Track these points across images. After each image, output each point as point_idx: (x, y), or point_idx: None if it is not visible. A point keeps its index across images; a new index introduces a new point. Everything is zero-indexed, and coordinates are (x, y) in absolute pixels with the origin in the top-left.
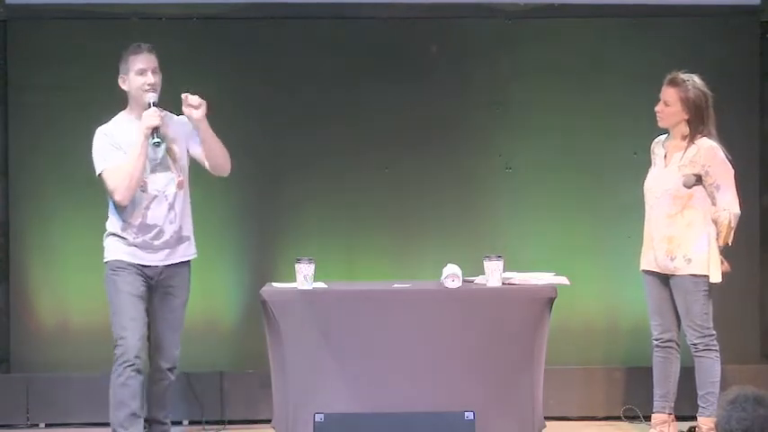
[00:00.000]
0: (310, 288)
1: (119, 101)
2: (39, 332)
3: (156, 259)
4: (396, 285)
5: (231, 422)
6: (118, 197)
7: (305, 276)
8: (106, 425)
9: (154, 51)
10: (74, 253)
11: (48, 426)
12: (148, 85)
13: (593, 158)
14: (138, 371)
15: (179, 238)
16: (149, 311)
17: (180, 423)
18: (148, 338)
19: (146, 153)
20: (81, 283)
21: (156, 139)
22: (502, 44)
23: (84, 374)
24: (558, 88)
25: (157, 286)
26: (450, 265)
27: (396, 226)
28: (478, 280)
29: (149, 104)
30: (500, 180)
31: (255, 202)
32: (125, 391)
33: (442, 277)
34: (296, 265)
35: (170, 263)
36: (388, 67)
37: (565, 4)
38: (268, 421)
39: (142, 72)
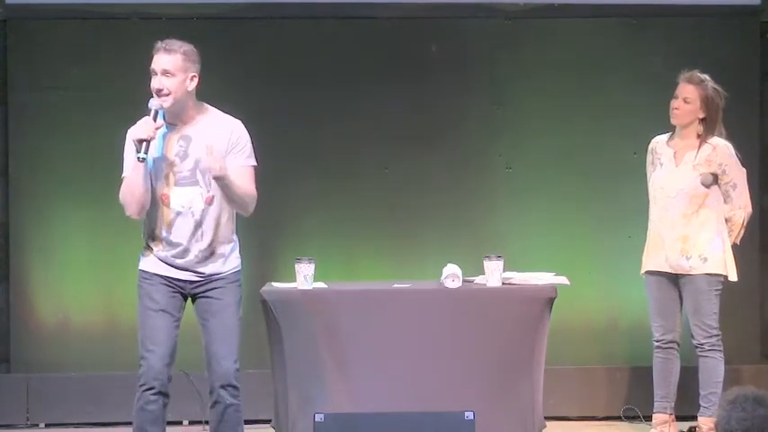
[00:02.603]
0: (310, 288)
1: (119, 100)
2: (39, 332)
3: (181, 275)
4: (396, 285)
5: None
6: (126, 212)
7: (305, 276)
8: (106, 425)
9: (176, 49)
10: (74, 253)
11: (48, 426)
12: (156, 89)
13: (593, 158)
14: (161, 393)
15: (208, 257)
16: (198, 322)
17: (180, 423)
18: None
19: (140, 167)
20: (81, 283)
21: (142, 155)
22: (502, 44)
23: (84, 374)
24: (558, 88)
25: (193, 293)
26: (450, 265)
27: (396, 226)
28: (478, 280)
29: (150, 112)
30: (500, 180)
31: (256, 203)
32: (144, 416)
33: (442, 277)
34: (296, 265)
35: (197, 279)
36: (388, 67)
37: (565, 4)
38: (268, 421)
39: (152, 73)
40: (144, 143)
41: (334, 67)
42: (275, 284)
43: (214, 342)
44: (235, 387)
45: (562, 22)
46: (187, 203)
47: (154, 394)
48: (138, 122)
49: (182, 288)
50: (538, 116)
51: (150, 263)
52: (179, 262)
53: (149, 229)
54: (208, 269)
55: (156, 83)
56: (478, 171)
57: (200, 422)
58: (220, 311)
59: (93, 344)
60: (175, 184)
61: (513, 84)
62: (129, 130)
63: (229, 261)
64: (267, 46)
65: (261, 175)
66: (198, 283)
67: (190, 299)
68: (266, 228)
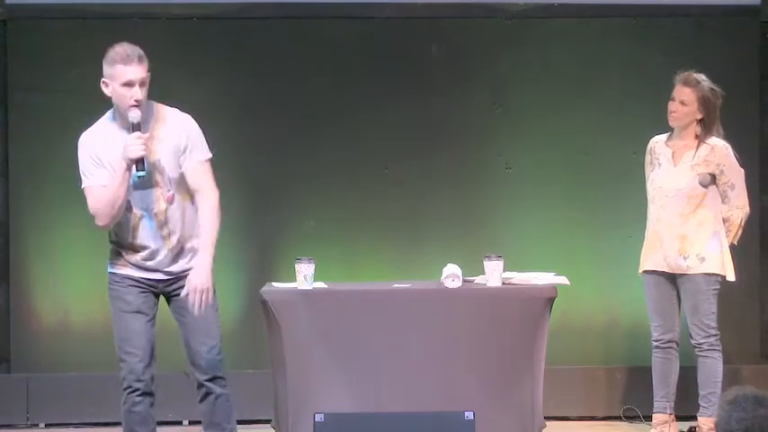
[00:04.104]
0: (310, 288)
1: None
2: (39, 332)
3: (153, 275)
4: (396, 285)
5: None
6: (99, 223)
7: (305, 276)
8: (106, 425)
9: (144, 58)
10: (74, 253)
11: (48, 426)
12: (135, 101)
13: (592, 158)
14: (146, 393)
15: (178, 254)
16: (175, 320)
17: (180, 423)
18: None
19: (127, 181)
20: (81, 283)
21: (141, 172)
22: (502, 44)
23: (84, 374)
24: (558, 88)
25: (166, 291)
26: (450, 265)
27: (396, 226)
28: (478, 280)
29: (132, 126)
30: (500, 180)
31: (256, 201)
32: (133, 418)
33: (442, 277)
34: (296, 265)
35: (169, 277)
36: (388, 67)
37: (565, 4)
38: (268, 421)
39: (129, 84)
40: (140, 161)
41: (334, 66)
42: (275, 284)
43: (194, 338)
44: (222, 378)
45: (562, 22)
46: (149, 205)
47: (138, 395)
48: (130, 143)
49: (153, 287)
50: (538, 116)
51: (119, 265)
52: (150, 264)
53: (116, 236)
54: (178, 266)
55: (136, 94)
56: (478, 171)
57: (200, 422)
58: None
59: (93, 344)
60: (135, 188)
61: (513, 84)
62: (82, 135)
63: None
64: (267, 46)
65: (260, 174)
66: (169, 282)
67: (163, 297)
68: (266, 228)
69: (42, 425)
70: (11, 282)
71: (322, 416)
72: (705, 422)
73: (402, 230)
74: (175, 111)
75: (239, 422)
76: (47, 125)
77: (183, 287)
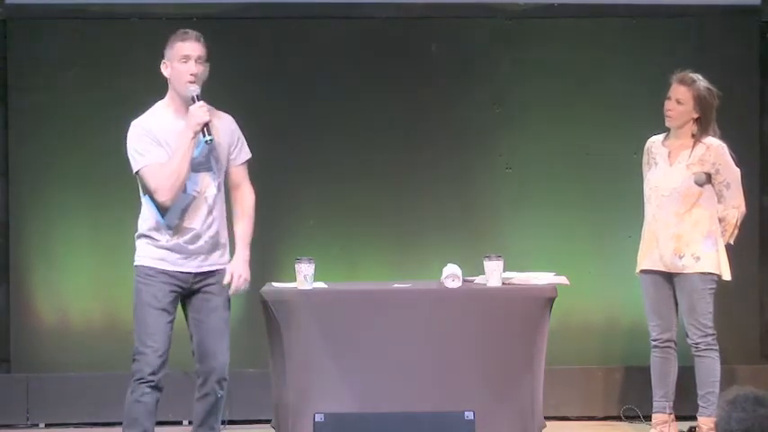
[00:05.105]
0: (310, 288)
1: (119, 100)
2: (39, 332)
3: (189, 266)
4: (396, 285)
5: (231, 422)
6: (162, 197)
7: (305, 276)
8: (106, 425)
9: (202, 40)
10: (74, 253)
11: (48, 426)
12: (191, 75)
13: (592, 158)
14: (156, 387)
15: (215, 245)
16: (188, 319)
17: (180, 423)
18: (192, 352)
19: (193, 151)
20: (81, 283)
21: (209, 137)
22: (502, 44)
23: (84, 374)
24: (558, 88)
25: (192, 290)
26: (450, 265)
27: (396, 226)
28: (478, 280)
29: (193, 98)
30: (500, 180)
31: (255, 201)
32: (138, 408)
33: (442, 277)
34: (296, 265)
35: (202, 270)
36: (388, 67)
37: (565, 4)
38: (268, 421)
39: (185, 59)
40: (206, 126)
41: (333, 66)
42: (275, 284)
43: (211, 338)
44: (226, 380)
45: (562, 22)
46: (202, 188)
47: (149, 387)
48: (194, 110)
49: (183, 283)
50: (538, 116)
51: (153, 258)
52: (191, 248)
53: (160, 217)
54: (212, 259)
55: (191, 68)
56: (478, 171)
57: None
58: (217, 308)
59: (93, 344)
60: (192, 170)
61: (513, 84)
62: (132, 123)
63: (226, 253)
64: (267, 46)
65: (261, 175)
66: (201, 278)
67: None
68: (266, 228)
69: (42, 425)
70: (11, 282)
71: (322, 416)
72: (705, 422)
73: (402, 230)
74: (217, 110)
75: (240, 422)
76: (47, 125)
77: (212, 284)
